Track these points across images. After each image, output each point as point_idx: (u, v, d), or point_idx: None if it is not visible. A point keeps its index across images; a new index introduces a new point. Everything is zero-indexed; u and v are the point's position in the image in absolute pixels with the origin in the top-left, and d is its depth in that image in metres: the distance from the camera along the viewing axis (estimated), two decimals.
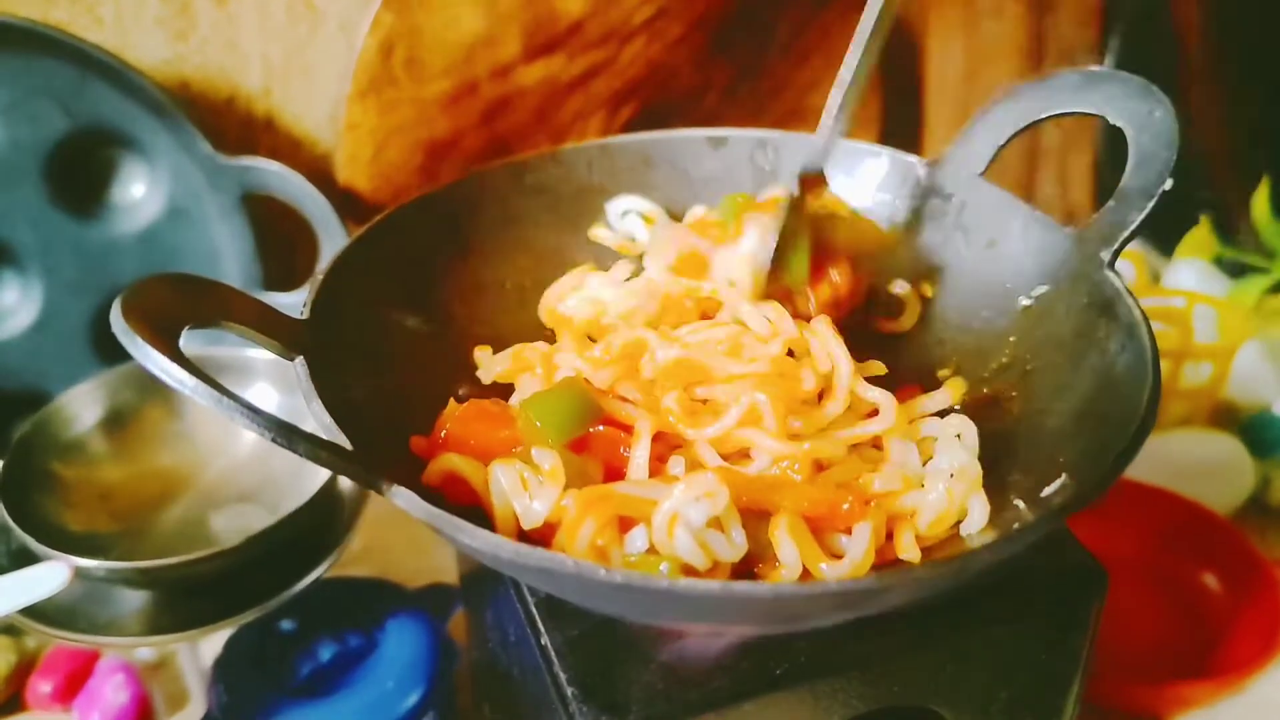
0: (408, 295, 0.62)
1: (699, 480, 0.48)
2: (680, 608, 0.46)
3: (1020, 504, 0.51)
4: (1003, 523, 0.51)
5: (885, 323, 0.65)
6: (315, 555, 0.73)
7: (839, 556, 0.50)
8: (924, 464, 0.54)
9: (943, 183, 0.66)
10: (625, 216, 0.70)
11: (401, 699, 0.70)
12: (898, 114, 1.13)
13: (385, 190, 0.92)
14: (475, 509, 0.51)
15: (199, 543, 0.71)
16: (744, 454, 0.53)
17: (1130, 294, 0.54)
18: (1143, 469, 0.90)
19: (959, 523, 0.52)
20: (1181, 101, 0.57)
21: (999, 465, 0.54)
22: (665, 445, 0.54)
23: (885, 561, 0.51)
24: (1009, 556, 0.43)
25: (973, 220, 0.64)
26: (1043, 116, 0.61)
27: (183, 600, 0.72)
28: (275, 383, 0.82)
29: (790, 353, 0.57)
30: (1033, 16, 1.12)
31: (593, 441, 0.53)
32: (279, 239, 0.93)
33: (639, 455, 0.52)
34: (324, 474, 0.71)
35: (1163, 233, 1.13)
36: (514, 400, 0.58)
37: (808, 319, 0.59)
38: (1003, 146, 0.63)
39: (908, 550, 0.51)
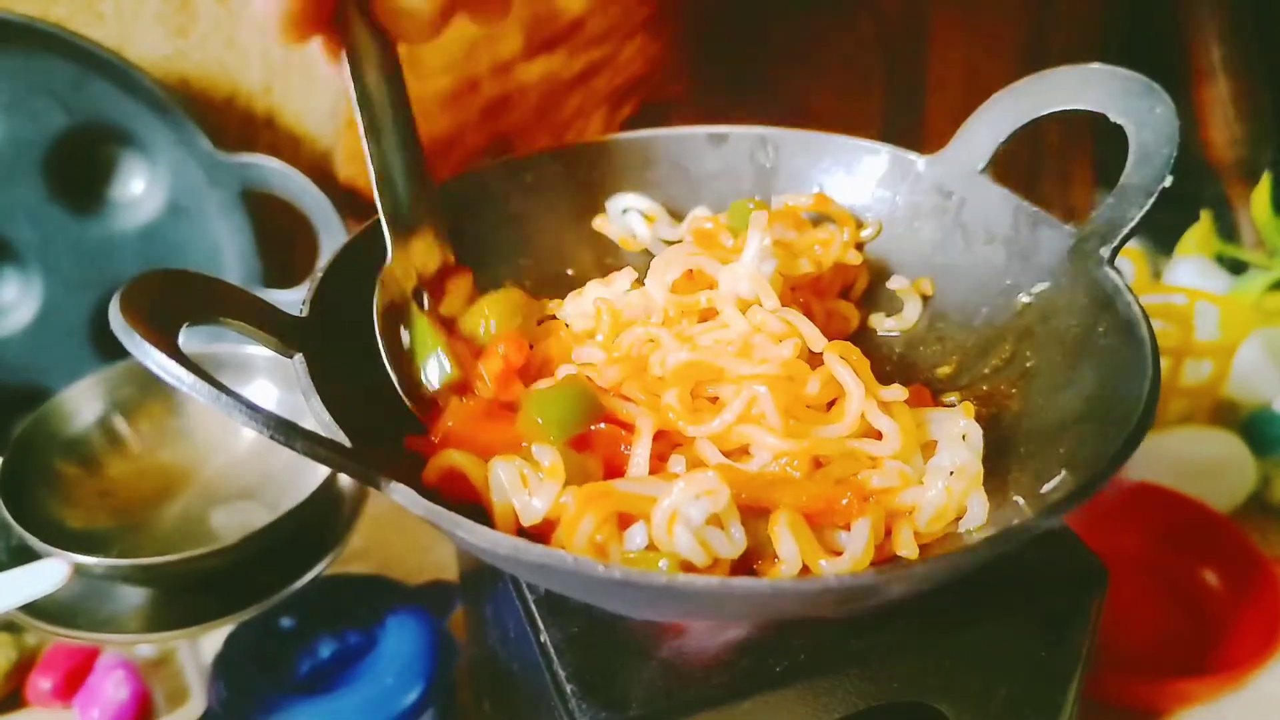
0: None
1: (699, 478, 0.48)
2: (678, 603, 0.46)
3: (1020, 500, 0.51)
4: (1002, 519, 0.51)
5: (884, 321, 0.65)
6: (315, 552, 0.73)
7: (838, 553, 0.50)
8: (926, 461, 0.54)
9: (942, 180, 0.66)
10: (626, 214, 0.70)
11: (401, 695, 0.70)
12: (898, 111, 1.13)
13: None
14: (475, 506, 0.51)
15: (199, 539, 0.71)
16: (744, 452, 0.53)
17: (1130, 291, 0.54)
18: (1143, 467, 0.91)
19: (958, 519, 0.52)
20: (1182, 99, 0.57)
21: (998, 462, 0.54)
22: (667, 444, 0.53)
23: (883, 558, 0.51)
24: (1007, 552, 0.43)
25: (972, 217, 0.64)
26: (1043, 114, 0.61)
27: (183, 597, 0.72)
28: (274, 379, 0.81)
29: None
30: (1034, 13, 1.12)
31: (594, 439, 0.53)
32: (279, 236, 0.93)
33: (639, 453, 0.52)
34: (324, 471, 0.71)
35: (1163, 230, 1.13)
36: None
37: None
38: (1003, 144, 0.63)
39: (906, 547, 0.51)
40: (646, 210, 0.70)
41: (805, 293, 0.63)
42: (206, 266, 0.90)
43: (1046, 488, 0.50)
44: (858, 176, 0.68)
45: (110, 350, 0.85)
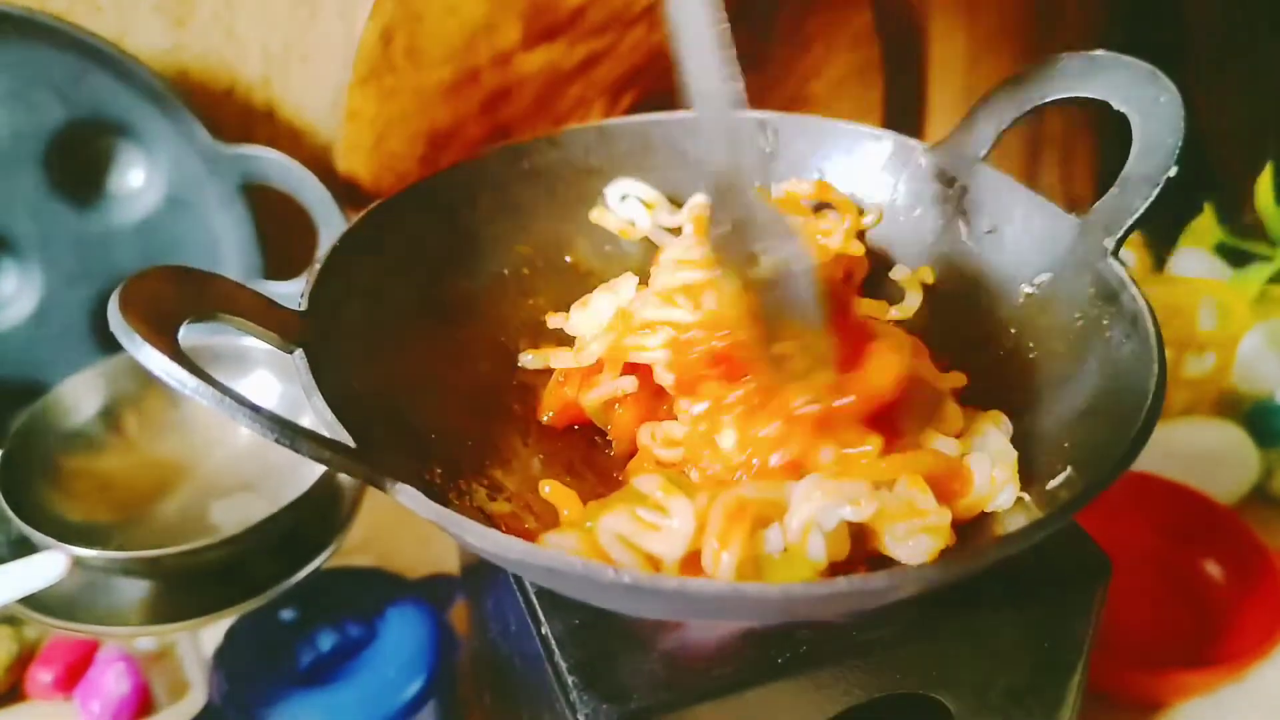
0: (405, 282, 0.61)
1: (846, 487, 0.47)
2: (690, 607, 0.46)
3: (1025, 496, 0.51)
4: (1009, 515, 0.51)
5: (886, 310, 0.64)
6: (316, 545, 0.73)
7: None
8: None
9: (944, 167, 0.65)
10: (624, 201, 0.69)
11: (402, 688, 0.70)
12: (900, 98, 1.13)
13: (386, 179, 0.91)
14: None
15: (199, 532, 0.71)
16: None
17: (1134, 282, 0.54)
18: (1146, 458, 0.88)
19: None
20: (1187, 88, 0.56)
21: None
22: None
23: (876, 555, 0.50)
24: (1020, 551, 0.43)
25: (974, 206, 0.64)
26: (1046, 101, 0.61)
27: (183, 590, 0.71)
28: (275, 371, 0.81)
29: None
30: (1036, 1, 1.12)
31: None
32: (279, 228, 0.92)
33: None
34: None
35: (1166, 220, 1.12)
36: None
37: None
38: (1005, 131, 0.63)
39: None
40: (645, 196, 0.69)
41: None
42: (206, 258, 0.89)
43: (1052, 484, 0.50)
44: (859, 163, 0.68)
45: (109, 343, 0.84)
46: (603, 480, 0.57)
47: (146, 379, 0.80)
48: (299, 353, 0.51)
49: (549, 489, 0.54)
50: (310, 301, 0.54)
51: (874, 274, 0.66)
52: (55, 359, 0.87)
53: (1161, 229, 1.13)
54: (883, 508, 0.48)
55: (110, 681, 0.76)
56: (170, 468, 0.80)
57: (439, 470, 0.53)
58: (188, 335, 0.45)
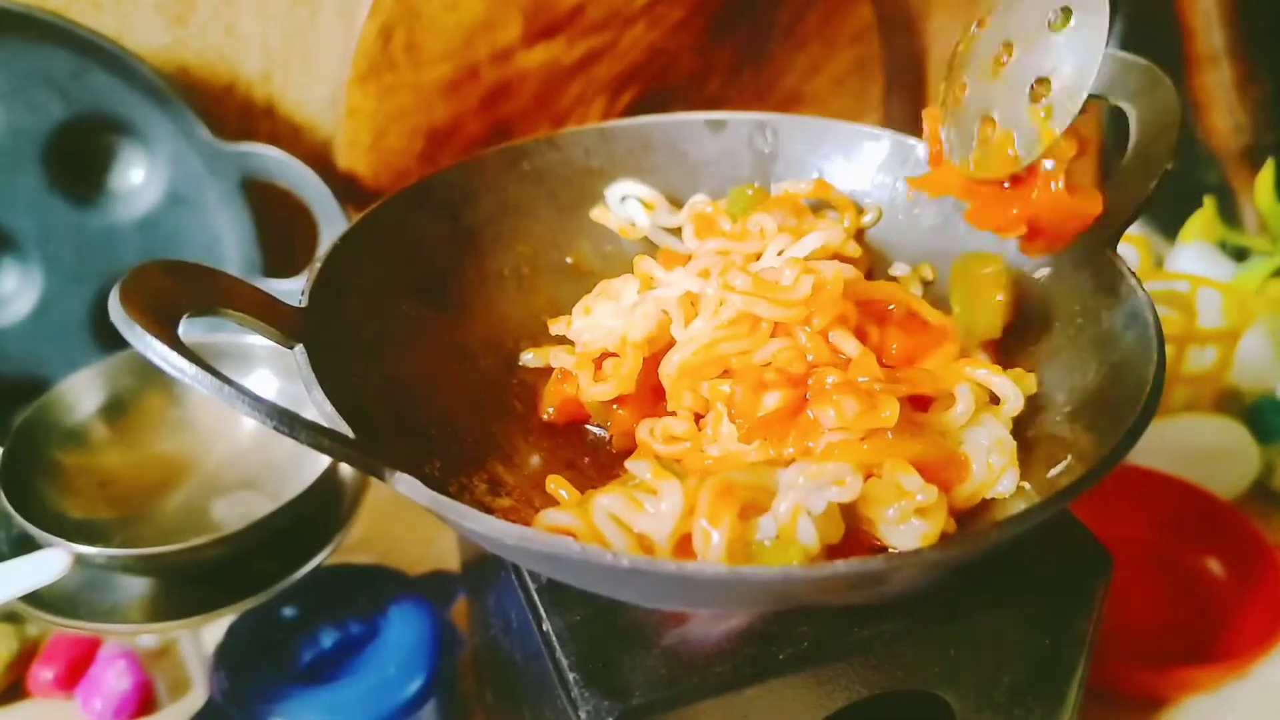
0: (406, 281, 0.62)
1: (830, 469, 0.47)
2: (689, 592, 0.46)
3: (1026, 485, 0.51)
4: (1010, 502, 0.51)
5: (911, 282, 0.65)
6: (317, 542, 0.73)
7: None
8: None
9: None
10: (624, 202, 0.69)
11: (403, 685, 0.70)
12: (899, 97, 1.13)
13: (386, 176, 0.92)
14: None
15: (200, 529, 0.71)
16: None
17: (1134, 276, 0.54)
18: (1147, 454, 0.90)
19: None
20: (1185, 84, 0.56)
21: None
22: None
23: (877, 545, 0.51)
24: (1016, 537, 0.43)
25: None
26: None
27: (184, 587, 0.71)
28: (276, 368, 0.81)
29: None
30: None
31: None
32: (279, 225, 0.92)
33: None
34: (325, 460, 0.71)
35: (1166, 216, 1.12)
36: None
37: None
38: None
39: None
40: (645, 197, 0.69)
41: None
42: (206, 255, 0.90)
43: (1053, 471, 0.50)
44: (857, 162, 0.68)
45: (110, 340, 0.85)
46: (603, 476, 0.57)
47: (148, 376, 0.80)
48: (300, 348, 0.51)
49: (553, 485, 0.54)
50: (311, 298, 0.54)
51: (874, 271, 0.66)
52: (56, 356, 0.87)
53: (1162, 225, 1.13)
54: (869, 491, 0.48)
55: (111, 679, 0.76)
56: (171, 465, 0.80)
57: (438, 464, 0.54)
58: (188, 335, 0.45)
